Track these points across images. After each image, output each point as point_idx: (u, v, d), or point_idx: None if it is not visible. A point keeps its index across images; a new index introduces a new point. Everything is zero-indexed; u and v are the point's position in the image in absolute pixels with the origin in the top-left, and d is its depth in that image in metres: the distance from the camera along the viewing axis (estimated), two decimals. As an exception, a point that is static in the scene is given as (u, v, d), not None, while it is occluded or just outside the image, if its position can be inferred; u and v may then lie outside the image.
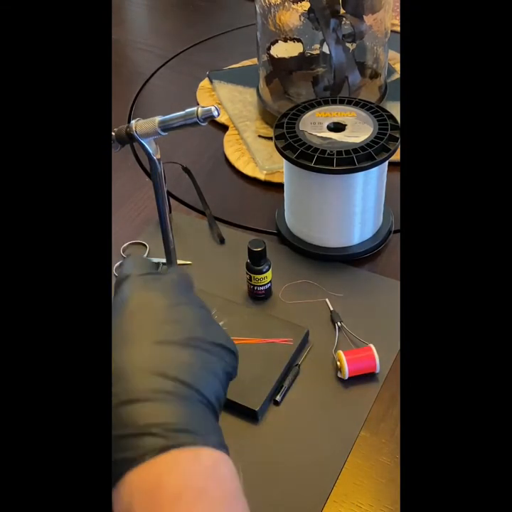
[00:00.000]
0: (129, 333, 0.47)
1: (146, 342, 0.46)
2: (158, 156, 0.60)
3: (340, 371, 0.69)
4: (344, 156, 0.74)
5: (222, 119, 1.05)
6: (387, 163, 0.78)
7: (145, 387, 0.43)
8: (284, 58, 1.00)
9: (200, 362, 0.46)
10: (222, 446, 0.44)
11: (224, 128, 1.05)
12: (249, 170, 0.96)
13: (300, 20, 0.95)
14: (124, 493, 0.40)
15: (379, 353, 0.69)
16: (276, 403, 0.67)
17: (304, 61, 1.00)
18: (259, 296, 0.77)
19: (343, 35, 0.94)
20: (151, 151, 0.59)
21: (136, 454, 0.41)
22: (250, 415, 0.66)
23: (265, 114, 1.03)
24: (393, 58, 1.14)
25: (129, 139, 0.58)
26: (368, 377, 0.69)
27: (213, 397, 0.46)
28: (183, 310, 0.49)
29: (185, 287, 0.54)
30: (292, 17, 0.95)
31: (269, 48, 1.00)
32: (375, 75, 1.01)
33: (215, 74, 1.15)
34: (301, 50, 0.99)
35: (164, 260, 0.69)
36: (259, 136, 1.01)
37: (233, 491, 0.43)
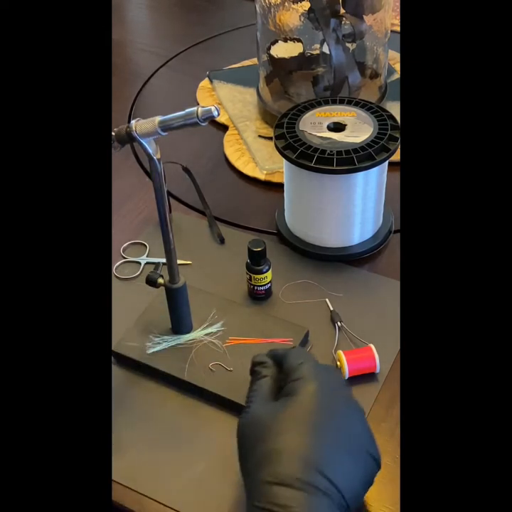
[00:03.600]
0: (303, 419, 0.51)
1: (318, 435, 0.50)
2: (158, 156, 0.59)
3: (340, 371, 0.69)
4: (344, 156, 0.74)
5: (222, 119, 1.05)
6: (387, 163, 0.78)
7: (302, 476, 0.47)
8: (284, 58, 1.00)
9: (355, 470, 0.50)
10: None
11: (224, 128, 1.04)
12: (249, 170, 0.96)
13: (300, 20, 0.95)
14: None
15: (379, 353, 0.69)
16: (276, 403, 0.67)
17: (304, 61, 1.00)
18: (259, 296, 0.77)
19: (343, 35, 0.94)
20: (151, 151, 0.59)
21: None
22: (250, 415, 0.66)
23: (265, 114, 1.03)
24: (393, 58, 1.13)
25: (129, 139, 0.58)
26: (368, 377, 0.69)
27: (355, 506, 0.50)
28: (356, 414, 0.55)
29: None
30: (292, 17, 0.95)
31: (269, 48, 1.00)
32: (375, 75, 1.01)
33: (215, 74, 1.15)
34: (301, 50, 0.99)
35: (164, 260, 0.69)
36: (259, 136, 1.01)
37: None
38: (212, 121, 0.70)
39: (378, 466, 0.52)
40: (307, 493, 0.47)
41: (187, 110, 0.56)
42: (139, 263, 0.83)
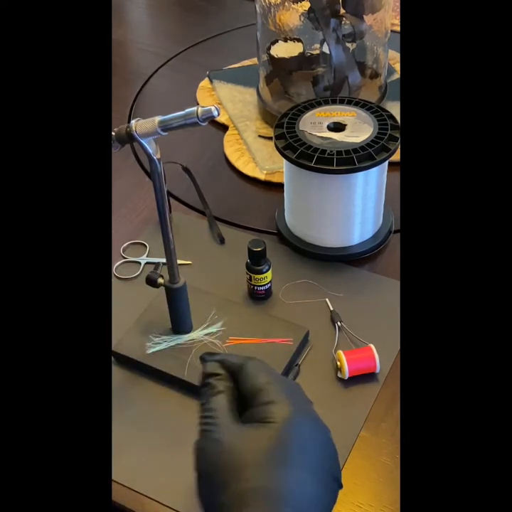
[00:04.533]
0: (283, 454, 0.46)
1: (296, 472, 0.46)
2: (158, 156, 0.59)
3: (340, 371, 0.69)
4: (344, 156, 0.74)
5: (222, 119, 1.05)
6: (387, 163, 0.78)
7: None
8: (284, 58, 1.00)
9: (326, 501, 0.47)
10: None
11: (224, 128, 1.04)
12: (249, 170, 0.96)
13: (300, 20, 0.95)
14: None
15: (379, 353, 0.69)
16: (276, 403, 0.67)
17: (304, 61, 1.00)
18: (259, 296, 0.77)
19: (343, 35, 0.94)
20: (151, 151, 0.59)
21: None
22: (250, 415, 0.66)
23: (265, 114, 1.03)
24: (393, 58, 1.13)
25: (129, 139, 0.58)
26: (368, 377, 0.69)
27: None
28: (325, 435, 0.49)
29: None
30: (292, 17, 0.95)
31: (269, 48, 1.00)
32: (375, 75, 1.01)
33: (215, 74, 1.15)
34: (301, 50, 0.99)
35: (164, 260, 0.69)
36: (259, 136, 1.01)
37: None
38: (212, 121, 0.70)
39: (340, 487, 0.49)
40: None
41: (187, 110, 0.56)
42: (139, 263, 0.83)
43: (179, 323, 0.71)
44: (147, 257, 0.83)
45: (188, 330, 0.72)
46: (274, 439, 0.46)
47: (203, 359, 0.53)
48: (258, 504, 0.44)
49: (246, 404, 0.50)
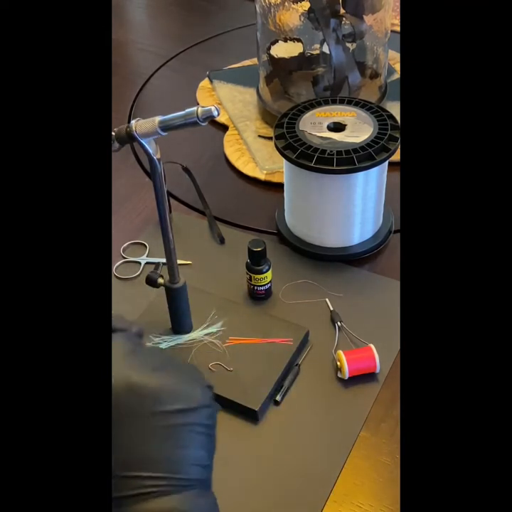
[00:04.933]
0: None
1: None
2: (158, 156, 0.59)
3: (340, 371, 0.69)
4: (344, 156, 0.74)
5: (222, 119, 1.05)
6: (387, 163, 0.78)
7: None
8: (284, 58, 1.00)
9: (177, 448, 0.46)
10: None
11: (224, 128, 1.04)
12: (249, 170, 0.96)
13: (300, 20, 0.95)
14: None
15: (379, 353, 0.69)
16: (277, 403, 0.67)
17: (304, 61, 1.00)
18: (259, 296, 0.77)
19: (343, 35, 0.94)
20: (151, 151, 0.59)
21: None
22: (250, 415, 0.66)
23: (265, 114, 1.03)
24: (393, 58, 1.14)
25: (129, 139, 0.58)
26: (368, 377, 0.69)
27: (201, 475, 0.47)
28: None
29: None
30: (292, 17, 0.95)
31: (269, 48, 1.00)
32: (375, 75, 1.01)
33: (215, 74, 1.15)
34: (301, 50, 0.99)
35: (164, 260, 0.69)
36: (259, 136, 1.01)
37: None
38: (212, 121, 0.70)
39: (212, 388, 0.49)
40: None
41: (187, 110, 0.56)
42: (139, 263, 0.83)
43: (179, 323, 0.71)
44: (147, 257, 0.83)
45: (188, 330, 0.72)
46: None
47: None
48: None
49: None
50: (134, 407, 0.46)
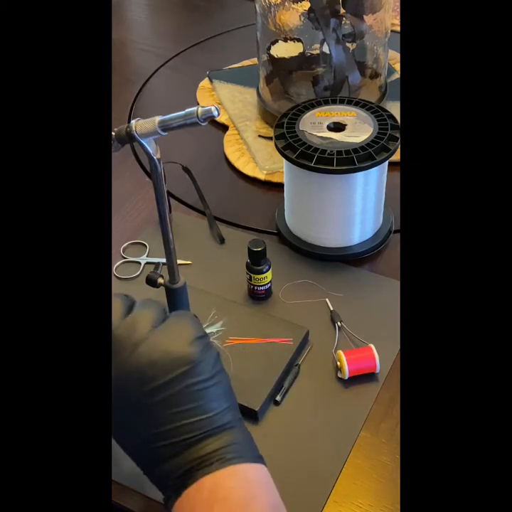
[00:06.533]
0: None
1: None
2: (158, 156, 0.59)
3: (340, 371, 0.69)
4: (344, 156, 0.74)
5: (222, 119, 1.05)
6: (387, 163, 0.78)
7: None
8: (284, 58, 1.00)
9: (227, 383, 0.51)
10: (261, 459, 0.50)
11: (224, 128, 1.04)
12: (249, 170, 0.96)
13: (300, 20, 0.95)
14: (193, 498, 0.46)
15: (379, 353, 0.69)
16: (277, 403, 0.67)
17: (304, 61, 1.00)
18: (259, 296, 0.77)
19: (343, 35, 0.94)
20: (151, 151, 0.59)
21: (201, 463, 0.47)
22: (250, 415, 0.66)
23: (265, 114, 1.03)
24: (393, 58, 1.14)
25: (129, 139, 0.58)
26: (368, 377, 0.69)
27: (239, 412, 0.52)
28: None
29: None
30: (292, 17, 0.95)
31: (269, 48, 1.00)
32: (375, 75, 1.01)
33: (215, 74, 1.15)
34: (301, 50, 0.99)
35: (164, 260, 0.69)
36: (259, 136, 1.01)
37: (279, 499, 0.49)
38: (212, 121, 0.70)
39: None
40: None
41: (187, 110, 0.56)
42: (139, 263, 0.83)
43: (179, 323, 0.71)
44: (147, 257, 0.83)
45: (188, 330, 0.72)
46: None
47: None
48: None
49: None
50: (128, 391, 0.48)
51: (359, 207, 0.78)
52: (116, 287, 0.79)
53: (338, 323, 0.74)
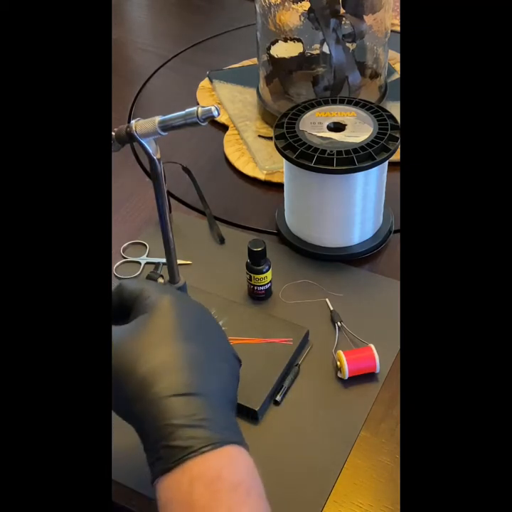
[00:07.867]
0: (170, 329, 0.50)
1: (186, 345, 0.49)
2: (158, 156, 0.59)
3: (340, 371, 0.69)
4: (344, 156, 0.74)
5: (222, 119, 1.05)
6: (387, 163, 0.78)
7: (193, 383, 0.47)
8: (284, 58, 1.00)
9: (230, 372, 0.52)
10: (246, 445, 0.50)
11: (224, 128, 1.04)
12: (249, 170, 0.96)
13: (300, 20, 0.95)
14: (183, 480, 0.45)
15: (379, 353, 0.69)
16: (277, 403, 0.67)
17: (304, 61, 1.00)
18: (259, 296, 0.77)
19: (343, 35, 0.94)
20: (151, 151, 0.59)
21: (195, 444, 0.45)
22: (250, 415, 0.66)
23: (265, 114, 1.03)
24: (393, 58, 1.13)
25: (129, 139, 0.58)
26: (368, 377, 0.69)
27: (235, 401, 0.52)
28: (212, 319, 0.54)
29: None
30: (292, 17, 0.95)
31: (269, 48, 1.00)
32: (375, 75, 1.01)
33: (215, 74, 1.15)
34: (301, 50, 0.99)
35: (164, 260, 0.69)
36: (259, 136, 1.01)
37: (262, 487, 0.48)
38: (212, 121, 0.70)
39: (240, 362, 0.54)
40: (203, 398, 0.47)
41: (187, 110, 0.56)
42: (139, 263, 0.83)
43: (179, 323, 0.71)
44: (147, 257, 0.83)
45: (188, 330, 0.72)
46: (160, 320, 0.50)
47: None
48: (163, 379, 0.47)
49: (129, 311, 0.53)
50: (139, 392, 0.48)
51: (359, 207, 0.78)
52: (116, 287, 0.79)
53: (338, 323, 0.74)
